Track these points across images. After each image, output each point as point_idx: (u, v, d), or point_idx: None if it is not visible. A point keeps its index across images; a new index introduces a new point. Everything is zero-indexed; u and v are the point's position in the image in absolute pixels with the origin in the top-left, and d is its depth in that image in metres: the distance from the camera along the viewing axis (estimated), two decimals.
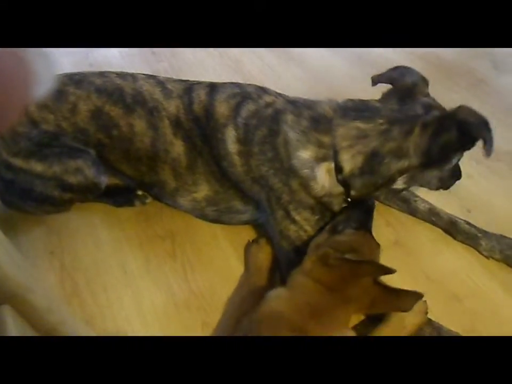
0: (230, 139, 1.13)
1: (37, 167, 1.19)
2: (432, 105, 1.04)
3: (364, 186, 1.05)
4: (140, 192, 1.37)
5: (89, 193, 1.28)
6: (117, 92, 1.21)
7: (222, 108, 1.16)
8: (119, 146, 1.22)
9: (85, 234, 1.32)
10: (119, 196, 1.37)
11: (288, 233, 1.13)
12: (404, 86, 1.06)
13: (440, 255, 1.25)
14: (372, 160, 1.01)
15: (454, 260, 1.24)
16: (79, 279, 1.21)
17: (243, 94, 1.17)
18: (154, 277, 1.21)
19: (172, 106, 1.19)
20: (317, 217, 1.11)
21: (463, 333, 1.06)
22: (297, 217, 1.11)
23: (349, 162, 1.03)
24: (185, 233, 1.31)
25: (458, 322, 1.09)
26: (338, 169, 1.04)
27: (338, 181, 1.05)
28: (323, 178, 1.05)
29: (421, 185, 1.14)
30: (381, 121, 1.01)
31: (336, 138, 1.03)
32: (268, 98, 1.16)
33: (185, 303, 1.15)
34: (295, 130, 1.07)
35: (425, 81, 1.09)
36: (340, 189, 1.06)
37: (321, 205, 1.10)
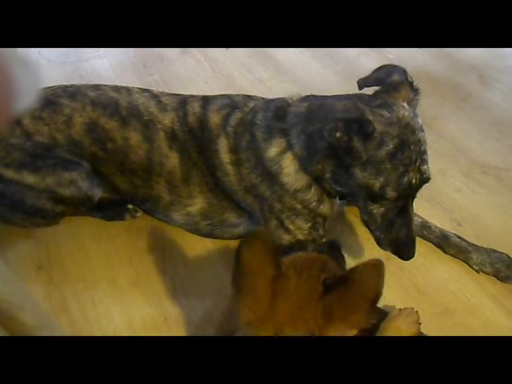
0: (223, 149, 1.15)
1: (29, 178, 1.17)
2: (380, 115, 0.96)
3: (314, 170, 1.05)
4: (130, 206, 1.35)
5: (81, 206, 1.26)
6: (112, 104, 1.21)
7: (214, 119, 1.18)
8: (114, 159, 1.21)
9: (73, 248, 1.30)
10: (109, 210, 1.36)
11: (282, 242, 1.13)
12: (390, 84, 1.02)
13: (431, 269, 1.25)
14: (311, 139, 1.02)
15: (445, 273, 1.24)
16: (67, 293, 1.19)
17: (232, 104, 1.20)
18: (144, 291, 1.20)
19: (167, 119, 1.20)
20: (309, 224, 1.13)
21: None
22: (290, 226, 1.12)
23: (296, 140, 1.06)
24: (175, 247, 1.30)
25: (449, 336, 1.09)
26: (294, 151, 1.07)
27: (301, 167, 1.07)
28: (288, 168, 1.08)
29: (365, 220, 1.07)
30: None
31: (288, 117, 1.07)
32: (251, 104, 1.19)
33: (175, 318, 1.14)
34: (261, 129, 1.11)
35: (410, 84, 1.04)
36: (307, 178, 1.07)
37: (309, 211, 1.11)
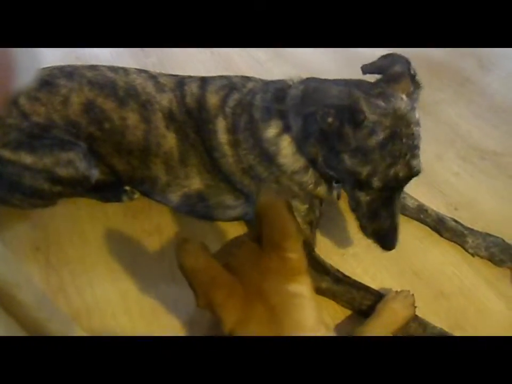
0: (220, 130, 1.16)
1: (27, 159, 1.17)
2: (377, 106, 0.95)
3: (309, 152, 1.06)
4: (127, 188, 1.35)
5: (79, 186, 1.26)
6: (109, 84, 1.21)
7: (213, 100, 1.18)
8: (111, 139, 1.21)
9: (70, 230, 1.30)
10: (106, 191, 1.35)
11: None
12: (391, 75, 1.01)
13: (428, 253, 1.26)
14: (305, 122, 1.03)
15: (441, 257, 1.25)
16: (64, 275, 1.19)
17: (230, 85, 1.20)
18: (141, 273, 1.20)
19: (165, 99, 1.20)
20: (306, 206, 1.13)
21: (448, 329, 1.07)
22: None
23: (293, 122, 1.06)
24: (172, 229, 1.30)
25: (444, 319, 1.11)
26: (291, 133, 1.07)
27: (298, 149, 1.07)
28: (286, 150, 1.08)
29: (352, 207, 1.07)
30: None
31: (286, 99, 1.08)
32: (250, 85, 1.19)
33: (172, 300, 1.14)
34: (259, 110, 1.11)
35: (412, 77, 1.03)
36: (304, 160, 1.08)
37: (306, 193, 1.12)
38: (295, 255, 0.79)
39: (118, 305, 1.14)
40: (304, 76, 1.17)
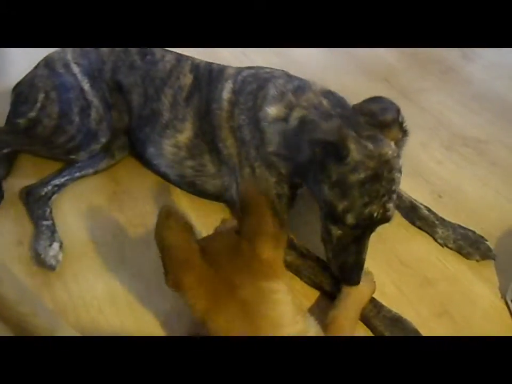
0: (226, 89, 1.26)
1: None
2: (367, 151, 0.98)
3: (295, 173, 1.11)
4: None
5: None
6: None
7: (231, 71, 1.32)
8: (145, 68, 1.38)
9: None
10: None
11: None
12: (383, 122, 1.03)
13: (413, 240, 1.27)
14: (303, 125, 1.08)
15: (426, 244, 1.26)
16: (48, 270, 1.17)
17: (256, 68, 1.31)
18: (127, 266, 1.19)
19: (197, 60, 1.40)
20: (274, 179, 1.16)
21: (435, 315, 1.09)
22: (260, 177, 1.17)
23: (292, 123, 1.10)
24: None
25: (430, 305, 1.12)
26: (287, 125, 1.11)
27: (284, 145, 1.11)
28: (274, 137, 1.13)
29: (323, 238, 1.08)
30: (336, 110, 1.08)
31: (300, 98, 1.13)
32: (268, 69, 1.29)
33: (160, 293, 1.13)
34: (277, 90, 1.17)
35: (401, 124, 1.05)
36: (285, 152, 1.11)
37: (277, 171, 1.15)
38: (270, 254, 0.79)
39: (105, 298, 1.13)
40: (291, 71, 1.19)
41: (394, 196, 1.00)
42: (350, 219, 0.98)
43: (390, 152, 0.99)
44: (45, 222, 1.25)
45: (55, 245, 1.20)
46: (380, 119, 1.03)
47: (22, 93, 1.36)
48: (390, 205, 0.99)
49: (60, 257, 1.19)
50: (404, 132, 1.06)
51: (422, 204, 1.31)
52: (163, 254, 0.77)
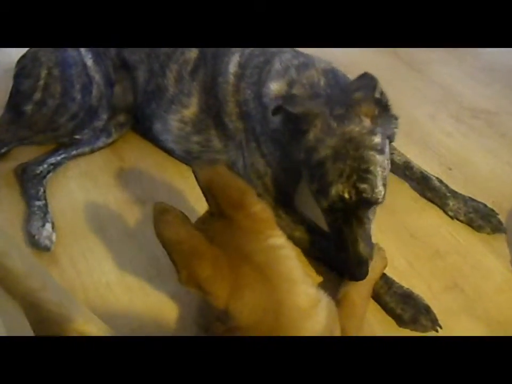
0: (233, 62, 1.25)
1: None
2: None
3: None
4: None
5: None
6: None
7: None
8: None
9: (60, 200, 1.28)
10: None
11: (258, 166, 1.19)
12: (353, 99, 1.00)
13: (423, 213, 1.26)
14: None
15: (436, 217, 1.25)
16: (56, 247, 1.17)
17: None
18: (135, 243, 1.18)
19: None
20: (279, 154, 1.16)
21: (445, 288, 1.08)
22: (265, 151, 1.17)
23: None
24: (166, 197, 1.27)
25: (441, 279, 1.11)
26: None
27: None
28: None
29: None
30: (327, 90, 1.09)
31: (301, 75, 1.13)
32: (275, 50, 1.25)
33: (168, 271, 1.13)
34: (282, 64, 1.17)
35: (377, 100, 1.00)
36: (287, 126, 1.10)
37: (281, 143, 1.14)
38: (258, 206, 0.78)
39: (113, 275, 1.12)
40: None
41: (371, 176, 0.93)
42: (323, 202, 0.96)
43: (357, 129, 0.95)
44: (37, 202, 1.23)
45: (48, 226, 1.18)
46: (351, 96, 1.00)
47: (26, 66, 1.34)
48: (364, 186, 0.93)
49: (54, 237, 1.18)
50: (383, 108, 1.00)
51: (433, 175, 1.29)
52: (170, 252, 0.74)
